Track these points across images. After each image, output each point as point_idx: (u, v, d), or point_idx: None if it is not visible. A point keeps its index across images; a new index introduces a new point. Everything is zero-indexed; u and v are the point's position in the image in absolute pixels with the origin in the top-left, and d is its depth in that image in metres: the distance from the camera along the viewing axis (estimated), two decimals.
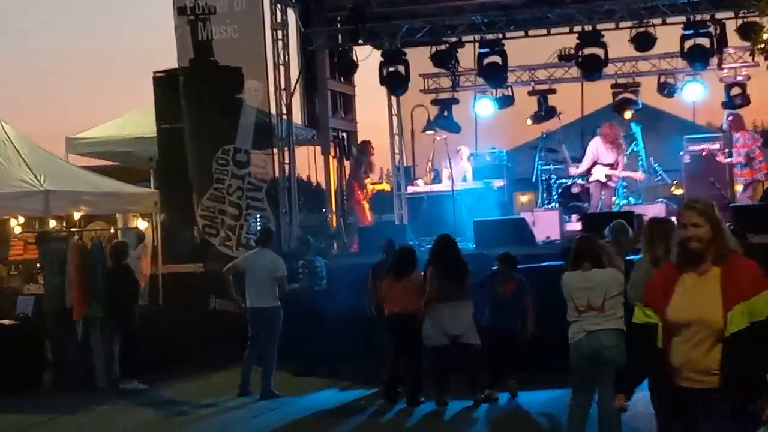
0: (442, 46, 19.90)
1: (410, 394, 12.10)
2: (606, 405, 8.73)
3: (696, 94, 20.42)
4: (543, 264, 13.56)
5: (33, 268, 16.62)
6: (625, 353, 8.45)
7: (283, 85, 17.56)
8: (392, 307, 12.25)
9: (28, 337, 14.55)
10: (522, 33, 19.99)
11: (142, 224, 17.59)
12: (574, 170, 18.90)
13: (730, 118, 18.36)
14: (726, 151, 18.31)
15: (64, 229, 16.89)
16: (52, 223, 16.87)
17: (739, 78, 20.16)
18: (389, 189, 22.00)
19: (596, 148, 18.39)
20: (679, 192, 19.04)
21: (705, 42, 18.01)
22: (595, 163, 18.41)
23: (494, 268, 12.31)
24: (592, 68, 18.78)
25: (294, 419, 11.99)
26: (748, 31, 16.38)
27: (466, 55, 20.30)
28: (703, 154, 18.52)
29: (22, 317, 14.87)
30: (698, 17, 18.10)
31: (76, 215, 16.46)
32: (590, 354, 9.03)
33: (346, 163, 20.27)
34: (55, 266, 14.53)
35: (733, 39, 18.62)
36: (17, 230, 17.36)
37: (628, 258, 10.68)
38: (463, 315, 11.90)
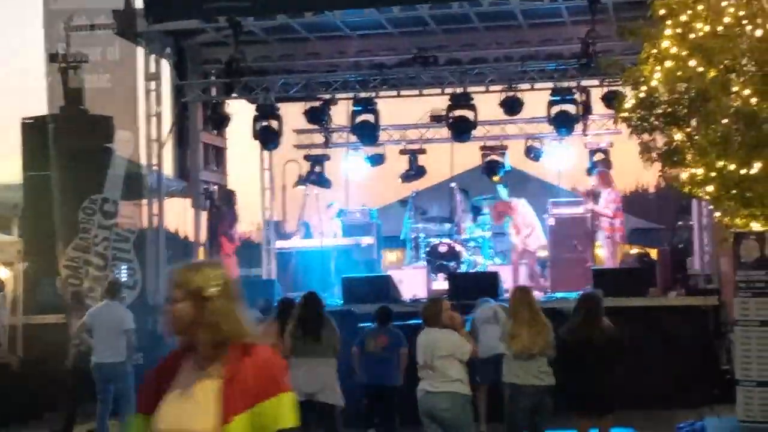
0: (316, 103, 19.96)
1: None
2: None
3: (561, 159, 20.88)
4: (409, 322, 13.62)
5: None
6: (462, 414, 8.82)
7: (154, 136, 17.36)
8: None
9: None
10: (395, 92, 20.25)
11: (3, 273, 17.12)
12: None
13: (599, 173, 18.70)
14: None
15: None
16: None
17: (603, 144, 20.74)
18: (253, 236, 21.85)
19: None
20: (543, 254, 19.36)
21: (571, 108, 18.41)
22: None
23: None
24: (461, 130, 19.02)
25: None
26: (612, 99, 16.82)
27: (340, 113, 20.47)
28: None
29: None
30: (565, 84, 18.48)
31: None
32: (427, 412, 9.28)
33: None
34: None
35: (598, 106, 19.19)
36: None
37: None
38: (320, 373, 11.67)
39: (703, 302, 14.79)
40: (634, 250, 21.86)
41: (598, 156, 20.61)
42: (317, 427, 11.64)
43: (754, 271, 12.06)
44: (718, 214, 12.25)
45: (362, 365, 12.22)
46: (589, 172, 20.27)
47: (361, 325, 13.53)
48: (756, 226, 11.95)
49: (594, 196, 18.32)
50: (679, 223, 20.07)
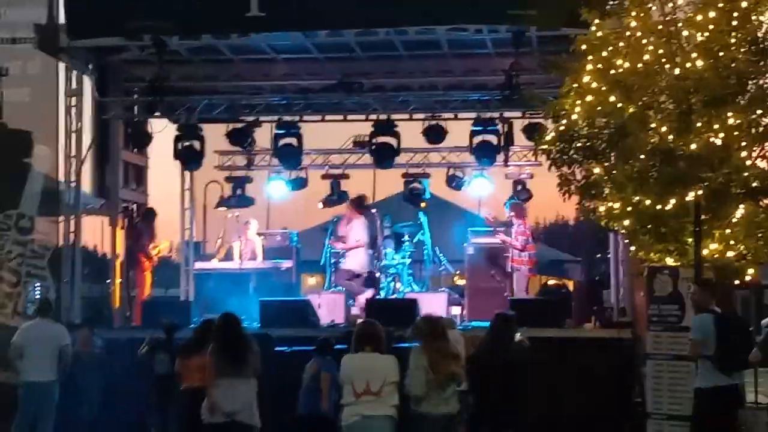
0: (239, 125, 19.81)
1: None
2: None
3: (482, 189, 20.94)
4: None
5: None
6: None
7: (74, 153, 17.07)
8: (191, 382, 12.02)
9: None
10: (319, 117, 20.13)
11: None
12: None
13: (513, 205, 18.78)
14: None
15: None
16: None
17: (523, 175, 20.85)
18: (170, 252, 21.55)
19: None
20: (462, 282, 19.40)
21: (493, 139, 18.47)
22: None
23: None
24: (384, 157, 19.03)
25: None
26: (533, 132, 16.94)
27: (263, 135, 20.30)
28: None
29: None
30: (488, 114, 18.52)
31: None
32: None
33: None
34: None
35: (520, 138, 19.31)
36: None
37: (400, 345, 10.88)
38: (240, 393, 11.61)
39: (618, 335, 14.85)
40: (552, 281, 22.07)
41: (519, 187, 20.71)
42: None
43: (667, 305, 12.24)
44: (633, 248, 12.34)
45: (301, 395, 12.15)
46: (507, 203, 20.33)
47: (279, 349, 13.45)
48: (670, 261, 12.11)
49: (507, 226, 18.39)
50: (597, 255, 20.20)
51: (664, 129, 11.67)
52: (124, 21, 15.75)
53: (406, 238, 19.40)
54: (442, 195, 23.53)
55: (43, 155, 16.28)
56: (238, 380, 11.54)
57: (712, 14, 11.73)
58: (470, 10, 15.40)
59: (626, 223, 12.11)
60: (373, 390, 9.26)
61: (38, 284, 16.06)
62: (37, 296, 15.39)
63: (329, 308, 17.70)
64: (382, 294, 18.53)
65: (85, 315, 16.04)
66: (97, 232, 19.13)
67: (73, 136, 17.10)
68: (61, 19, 16.32)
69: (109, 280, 19.31)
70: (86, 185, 17.89)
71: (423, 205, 20.76)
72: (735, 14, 11.65)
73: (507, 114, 18.95)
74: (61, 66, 16.76)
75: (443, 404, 10.07)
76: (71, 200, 16.95)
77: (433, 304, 17.04)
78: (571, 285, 20.58)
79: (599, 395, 14.20)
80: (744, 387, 10.97)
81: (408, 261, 19.36)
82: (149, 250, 18.85)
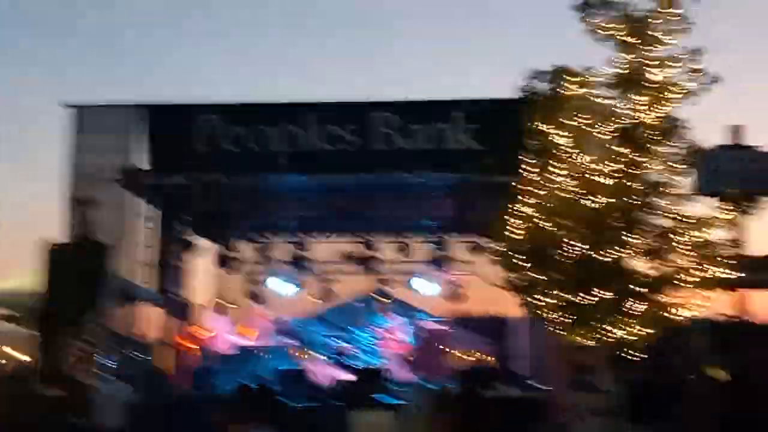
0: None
1: None
2: None
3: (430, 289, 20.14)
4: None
5: None
6: None
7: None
8: None
9: None
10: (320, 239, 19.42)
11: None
12: None
13: None
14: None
15: None
16: None
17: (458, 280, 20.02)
18: None
19: None
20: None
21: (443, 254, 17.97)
22: None
23: None
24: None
25: None
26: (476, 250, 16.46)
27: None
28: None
29: None
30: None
31: None
32: None
33: None
34: None
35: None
36: None
37: None
38: None
39: (531, 395, 14.00)
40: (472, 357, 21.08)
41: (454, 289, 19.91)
42: None
43: (584, 373, 11.53)
44: (562, 332, 11.54)
45: None
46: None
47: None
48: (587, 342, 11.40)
49: None
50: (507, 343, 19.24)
51: (582, 245, 11.09)
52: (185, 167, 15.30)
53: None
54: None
55: (120, 261, 15.30)
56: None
57: (613, 166, 11.33)
58: (431, 164, 15.17)
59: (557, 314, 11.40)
60: None
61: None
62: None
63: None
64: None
65: None
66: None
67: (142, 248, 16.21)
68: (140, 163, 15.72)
69: None
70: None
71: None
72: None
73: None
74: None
75: None
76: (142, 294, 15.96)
77: None
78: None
79: None
80: None
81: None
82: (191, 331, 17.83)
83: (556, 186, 11.54)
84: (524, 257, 11.57)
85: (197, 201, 16.79)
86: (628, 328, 10.99)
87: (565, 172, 11.55)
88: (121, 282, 15.55)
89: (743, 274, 11.03)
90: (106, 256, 15.18)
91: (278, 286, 19.66)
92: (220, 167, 15.41)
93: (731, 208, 11.37)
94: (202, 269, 19.71)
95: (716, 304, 11.39)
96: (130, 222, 15.84)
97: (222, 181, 15.67)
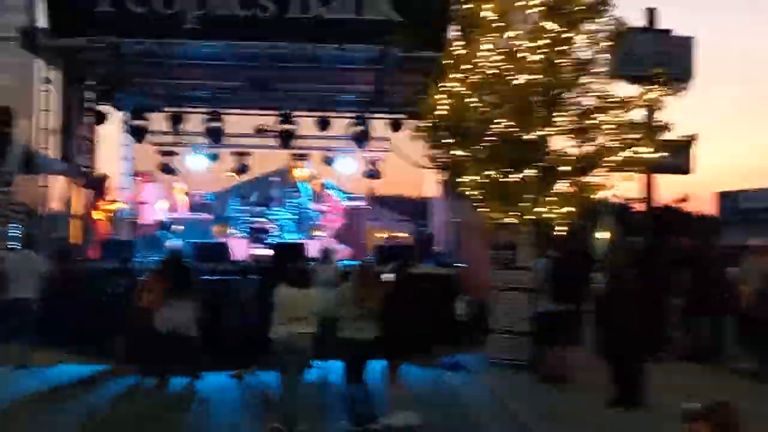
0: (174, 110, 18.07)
1: None
2: None
3: (348, 167, 19.86)
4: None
5: None
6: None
7: (44, 127, 15.14)
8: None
9: None
10: (235, 110, 18.55)
11: None
12: None
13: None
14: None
15: None
16: None
17: (376, 158, 19.77)
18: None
19: None
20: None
21: (364, 130, 17.49)
22: None
23: None
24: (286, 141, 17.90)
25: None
26: (397, 126, 16.06)
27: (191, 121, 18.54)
28: None
29: None
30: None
31: None
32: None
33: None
34: None
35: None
36: None
37: None
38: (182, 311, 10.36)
39: (448, 272, 14.10)
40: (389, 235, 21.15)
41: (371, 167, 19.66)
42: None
43: (504, 250, 11.57)
44: (485, 210, 11.44)
45: None
46: (366, 176, 19.38)
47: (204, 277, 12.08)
48: (508, 220, 11.37)
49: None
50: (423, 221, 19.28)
51: (508, 122, 10.86)
52: (88, 29, 14.14)
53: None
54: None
55: (22, 128, 14.31)
56: (180, 302, 10.36)
57: (541, 42, 11.00)
58: (350, 34, 14.38)
59: (479, 192, 11.27)
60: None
61: (14, 224, 14.12)
62: (17, 233, 13.51)
63: (235, 249, 16.39)
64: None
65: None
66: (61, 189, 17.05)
67: (44, 114, 15.19)
68: (38, 23, 14.44)
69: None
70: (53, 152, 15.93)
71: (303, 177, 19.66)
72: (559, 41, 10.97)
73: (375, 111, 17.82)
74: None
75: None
76: (43, 162, 15.04)
77: None
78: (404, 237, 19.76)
79: (436, 316, 13.25)
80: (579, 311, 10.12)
81: (292, 216, 18.41)
82: (100, 205, 17.07)
83: (481, 61, 11.20)
84: (448, 134, 11.32)
85: (100, 65, 15.76)
86: (550, 207, 10.99)
87: (491, 47, 11.21)
88: (25, 148, 14.64)
89: (665, 154, 11.08)
90: (10, 123, 14.24)
91: (192, 159, 19.02)
92: (125, 29, 14.29)
93: (651, 89, 11.30)
94: (110, 140, 18.83)
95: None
96: (35, 87, 14.71)
97: (126, 43, 14.62)
